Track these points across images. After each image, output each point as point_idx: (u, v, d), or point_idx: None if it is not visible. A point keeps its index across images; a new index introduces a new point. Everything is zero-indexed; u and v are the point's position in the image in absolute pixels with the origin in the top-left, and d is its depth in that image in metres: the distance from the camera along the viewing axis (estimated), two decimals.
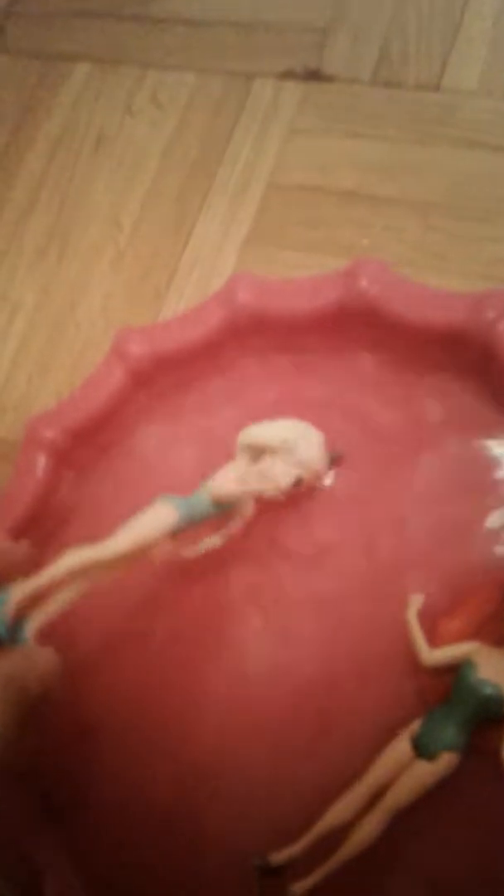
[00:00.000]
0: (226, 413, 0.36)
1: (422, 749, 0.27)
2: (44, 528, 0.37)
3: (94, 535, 0.37)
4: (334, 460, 0.33)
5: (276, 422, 0.33)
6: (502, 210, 0.37)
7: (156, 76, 0.49)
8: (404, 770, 0.28)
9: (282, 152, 0.43)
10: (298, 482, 0.31)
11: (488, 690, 0.27)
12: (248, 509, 0.32)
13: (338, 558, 0.31)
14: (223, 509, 0.32)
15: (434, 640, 0.29)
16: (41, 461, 0.37)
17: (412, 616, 0.29)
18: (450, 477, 0.31)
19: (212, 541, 0.32)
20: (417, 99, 0.41)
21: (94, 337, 0.45)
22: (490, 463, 0.30)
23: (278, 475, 0.31)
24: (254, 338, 0.35)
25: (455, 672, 0.28)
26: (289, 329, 0.34)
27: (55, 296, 0.47)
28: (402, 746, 0.28)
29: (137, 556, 0.30)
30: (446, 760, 0.27)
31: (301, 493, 0.32)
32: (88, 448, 0.37)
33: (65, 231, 0.48)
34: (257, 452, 0.33)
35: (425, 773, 0.27)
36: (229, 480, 0.32)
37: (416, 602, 0.30)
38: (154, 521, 0.31)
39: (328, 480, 0.33)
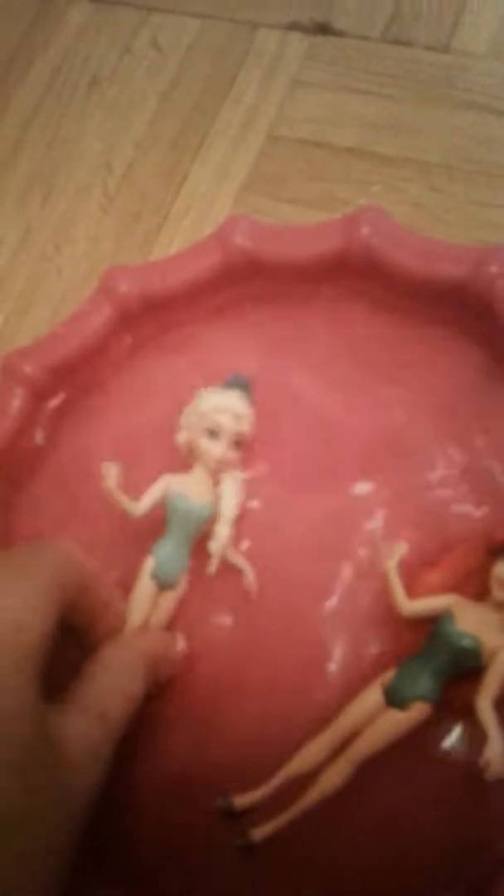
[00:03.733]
0: (215, 360, 0.35)
1: (393, 698, 0.27)
2: (16, 470, 0.36)
3: (68, 481, 0.36)
4: (242, 386, 0.32)
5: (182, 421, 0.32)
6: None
7: (157, 19, 0.47)
8: (374, 718, 0.27)
9: (284, 104, 0.42)
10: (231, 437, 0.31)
11: (466, 642, 0.27)
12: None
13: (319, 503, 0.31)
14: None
15: (413, 592, 0.29)
16: (17, 397, 0.35)
17: (392, 566, 0.29)
18: (440, 429, 0.30)
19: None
20: (426, 59, 0.41)
21: (76, 280, 0.44)
22: (480, 418, 0.30)
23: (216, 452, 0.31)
24: (249, 282, 0.34)
25: (432, 624, 0.28)
26: (286, 274, 0.33)
27: (39, 236, 0.45)
28: (373, 695, 0.27)
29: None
30: (418, 710, 0.27)
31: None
32: (68, 387, 0.36)
33: (53, 170, 0.46)
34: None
35: (396, 721, 0.27)
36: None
37: (397, 551, 0.29)
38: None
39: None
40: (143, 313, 0.35)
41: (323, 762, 0.27)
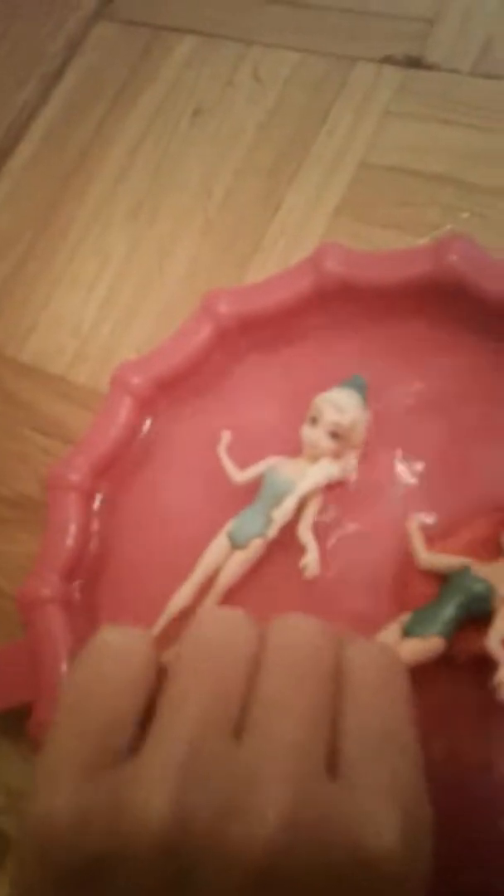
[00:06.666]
0: (307, 379, 0.37)
1: (411, 632, 0.29)
2: (122, 469, 0.39)
3: (166, 481, 0.39)
4: (356, 387, 0.35)
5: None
6: None
7: (259, 52, 0.51)
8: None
9: (376, 133, 0.45)
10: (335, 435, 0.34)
11: (478, 587, 0.29)
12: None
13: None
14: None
15: None
16: (126, 405, 0.39)
17: (414, 524, 0.31)
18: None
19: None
20: None
21: (177, 297, 0.47)
22: None
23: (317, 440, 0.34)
24: (340, 306, 0.37)
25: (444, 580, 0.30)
26: (375, 299, 0.36)
27: (144, 254, 0.49)
28: (391, 634, 0.29)
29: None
30: (434, 641, 0.28)
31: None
32: (170, 399, 0.40)
33: (158, 194, 0.50)
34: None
35: (415, 647, 0.28)
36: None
37: (416, 518, 0.32)
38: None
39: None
40: (240, 332, 0.38)
41: None
